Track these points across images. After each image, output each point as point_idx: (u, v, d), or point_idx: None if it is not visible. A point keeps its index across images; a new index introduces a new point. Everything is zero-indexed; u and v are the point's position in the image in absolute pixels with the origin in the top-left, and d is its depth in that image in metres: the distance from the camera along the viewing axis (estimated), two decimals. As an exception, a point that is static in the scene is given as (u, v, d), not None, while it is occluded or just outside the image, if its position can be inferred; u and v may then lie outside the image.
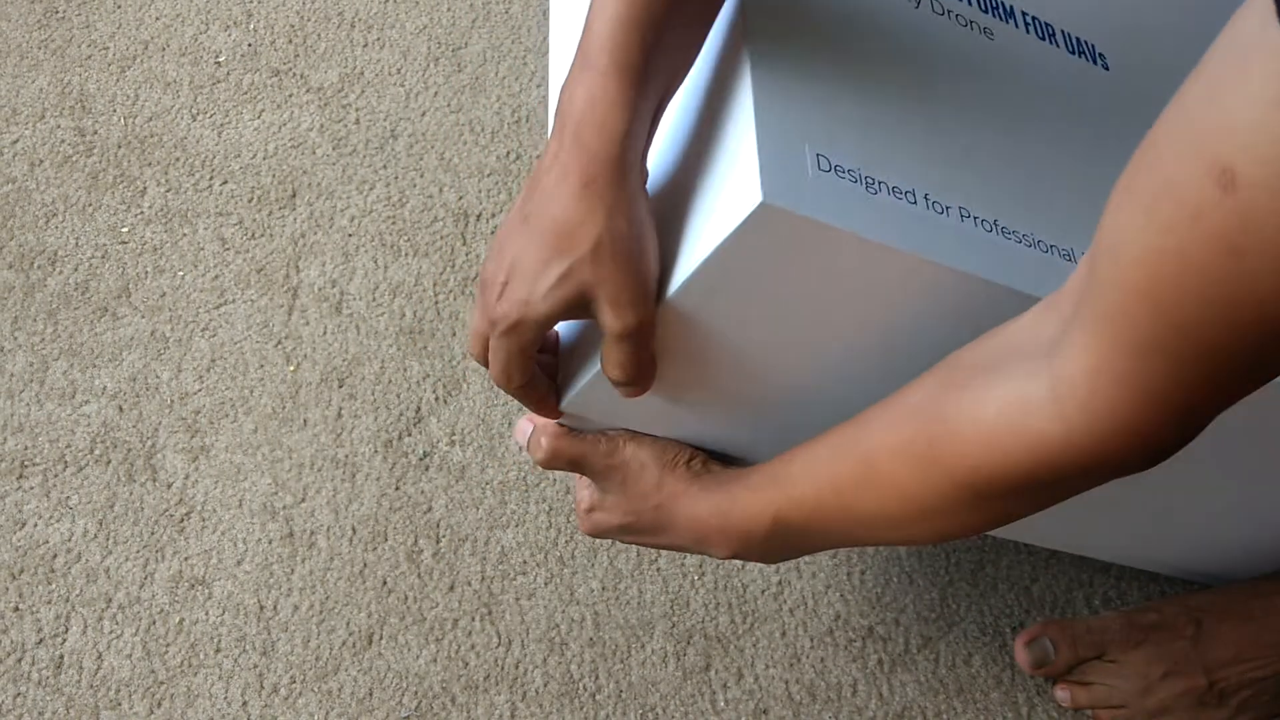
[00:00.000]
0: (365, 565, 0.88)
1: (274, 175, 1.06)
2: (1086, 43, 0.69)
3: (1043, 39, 0.68)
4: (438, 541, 0.89)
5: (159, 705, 0.83)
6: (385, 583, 0.87)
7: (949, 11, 0.66)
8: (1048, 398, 0.48)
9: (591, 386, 0.63)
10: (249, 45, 1.14)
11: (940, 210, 0.57)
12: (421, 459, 0.92)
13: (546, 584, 0.87)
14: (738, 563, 0.86)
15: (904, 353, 0.61)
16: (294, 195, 1.05)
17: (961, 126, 0.62)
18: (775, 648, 0.84)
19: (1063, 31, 0.69)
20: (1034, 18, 0.68)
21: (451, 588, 0.87)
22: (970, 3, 0.67)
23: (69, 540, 0.89)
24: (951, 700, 0.82)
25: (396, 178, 1.06)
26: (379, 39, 1.14)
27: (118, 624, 0.86)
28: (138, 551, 0.89)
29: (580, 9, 0.63)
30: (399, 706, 0.83)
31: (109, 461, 0.92)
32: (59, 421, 0.94)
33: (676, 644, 0.84)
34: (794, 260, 0.56)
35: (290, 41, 1.14)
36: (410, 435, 0.93)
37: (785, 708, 0.82)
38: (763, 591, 0.86)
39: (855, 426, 0.58)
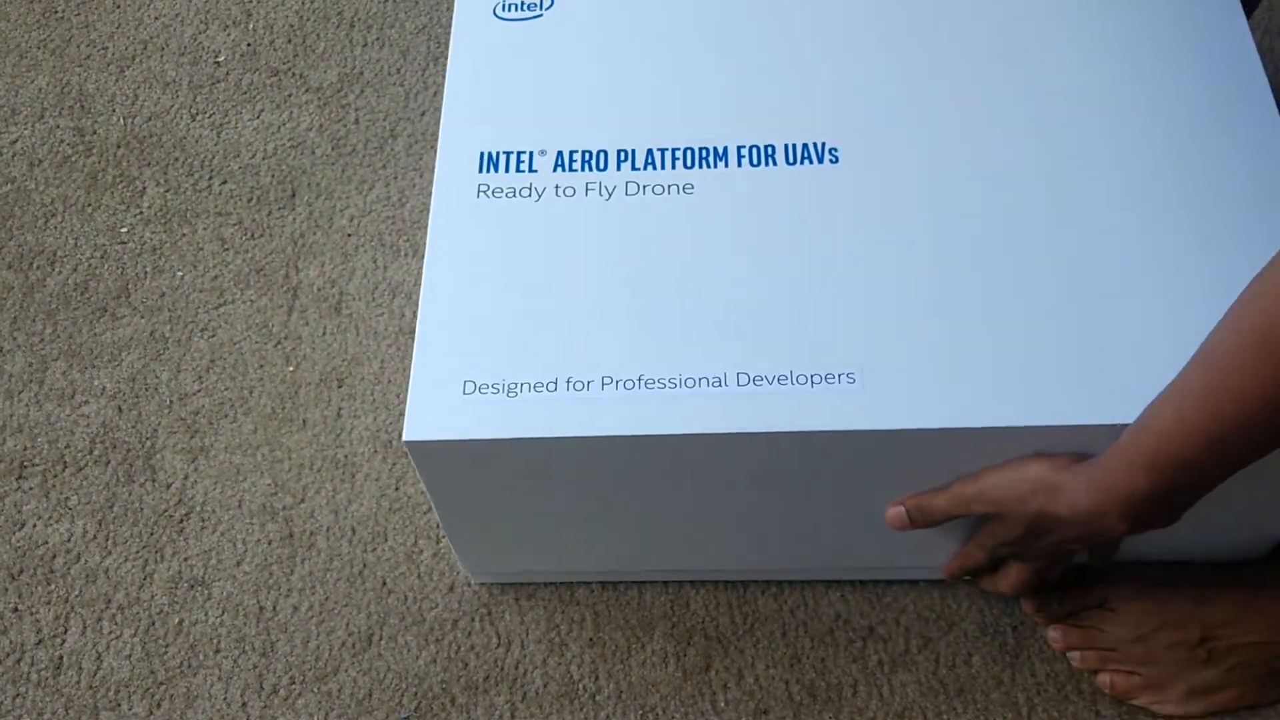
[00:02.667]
0: (365, 566, 0.88)
1: (273, 175, 1.06)
2: (814, 145, 0.77)
3: (757, 164, 0.76)
4: (437, 542, 0.88)
5: (158, 706, 0.83)
6: (385, 583, 0.87)
7: (644, 187, 0.76)
8: None
9: None
10: (248, 45, 1.14)
11: (581, 388, 0.69)
12: (421, 459, 0.92)
13: (546, 584, 0.87)
14: (726, 579, 0.86)
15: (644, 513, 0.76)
16: (293, 195, 1.05)
17: (625, 299, 0.72)
18: (775, 648, 0.84)
19: (786, 145, 0.77)
20: (751, 146, 0.77)
21: (451, 588, 0.87)
22: (671, 166, 0.77)
23: (68, 541, 0.89)
24: (951, 700, 0.82)
25: (396, 177, 1.06)
26: (378, 39, 1.14)
27: (117, 624, 0.86)
28: (137, 552, 0.89)
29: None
30: (398, 707, 0.83)
31: (108, 462, 0.92)
32: (58, 422, 0.94)
33: (676, 644, 0.84)
34: (488, 466, 0.71)
35: (289, 41, 1.14)
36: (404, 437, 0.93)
37: (785, 708, 0.82)
38: (763, 592, 0.86)
39: (1200, 350, 0.61)
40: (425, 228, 1.02)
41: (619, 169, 0.77)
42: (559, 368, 0.69)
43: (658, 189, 0.76)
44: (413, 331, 0.97)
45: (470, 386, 0.69)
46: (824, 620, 0.85)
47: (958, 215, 0.74)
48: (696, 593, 0.86)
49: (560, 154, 0.77)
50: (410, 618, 0.86)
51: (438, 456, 0.70)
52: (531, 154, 0.78)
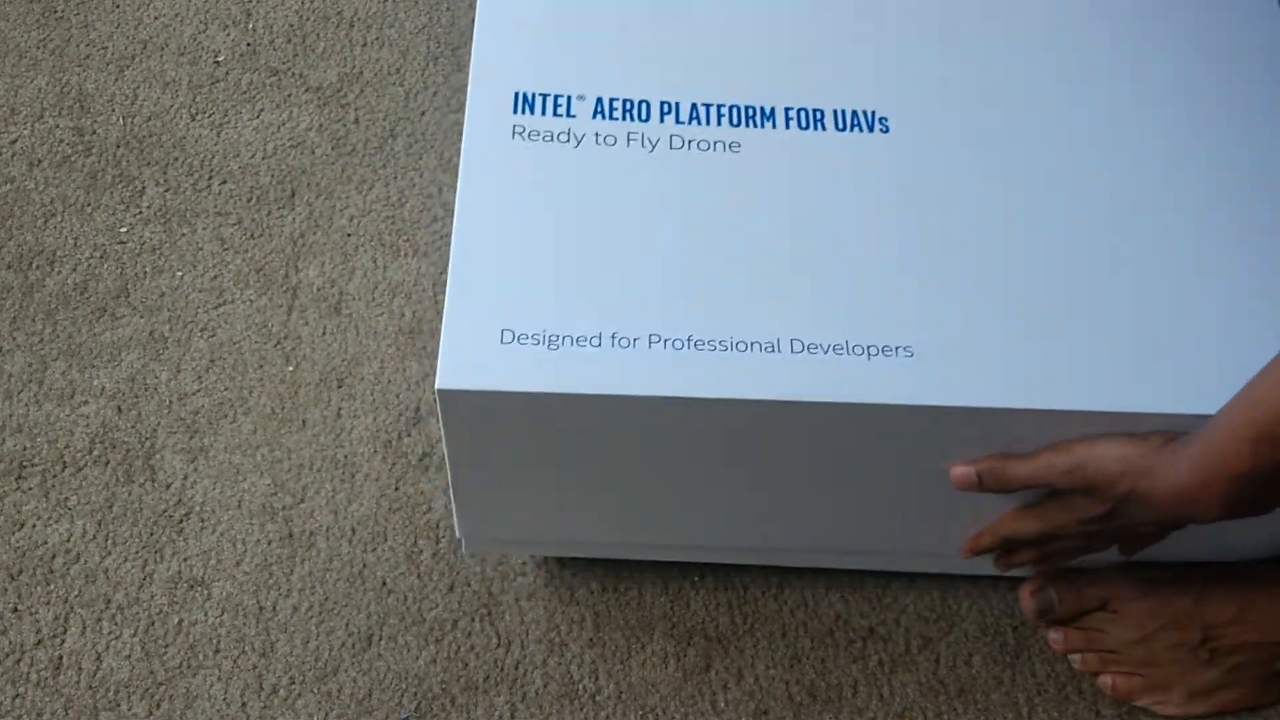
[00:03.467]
0: (364, 566, 0.88)
1: (273, 175, 1.06)
2: (864, 113, 0.75)
3: (806, 128, 0.74)
4: (437, 542, 0.88)
5: (158, 706, 0.83)
6: (384, 583, 0.87)
7: (689, 142, 0.73)
8: None
9: None
10: (248, 45, 1.14)
11: (626, 344, 0.65)
12: (420, 459, 0.92)
13: (546, 584, 0.87)
14: (737, 562, 0.86)
15: (696, 482, 0.73)
16: (293, 195, 1.05)
17: (673, 256, 0.69)
18: (775, 648, 0.84)
19: (835, 111, 0.74)
20: (800, 109, 0.74)
21: (451, 588, 0.87)
22: (717, 122, 0.74)
23: (68, 541, 0.89)
24: (952, 701, 0.82)
25: (395, 177, 1.06)
26: (378, 38, 1.14)
27: (117, 625, 0.86)
28: (137, 552, 0.89)
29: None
30: (398, 707, 0.83)
31: (108, 462, 0.92)
32: (57, 422, 0.94)
33: (676, 644, 0.84)
34: (521, 421, 0.67)
35: (289, 41, 1.14)
36: (409, 435, 0.93)
37: (785, 708, 0.82)
38: (763, 592, 0.86)
39: None
40: (426, 227, 1.02)
41: (662, 121, 0.74)
42: (604, 322, 0.66)
43: (703, 145, 0.73)
44: (414, 331, 0.97)
45: (509, 336, 0.66)
46: (824, 620, 0.85)
47: (1009, 192, 0.72)
48: (696, 593, 0.86)
49: (600, 100, 0.74)
50: (410, 618, 0.86)
51: (469, 408, 0.66)
52: (570, 98, 0.74)
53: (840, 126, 0.74)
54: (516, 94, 0.74)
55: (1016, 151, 0.74)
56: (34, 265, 1.02)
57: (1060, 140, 0.74)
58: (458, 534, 0.84)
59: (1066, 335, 0.68)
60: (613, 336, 0.66)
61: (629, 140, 0.73)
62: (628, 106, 0.75)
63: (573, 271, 0.68)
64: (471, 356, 0.65)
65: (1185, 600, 0.80)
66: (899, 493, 0.74)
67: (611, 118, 0.74)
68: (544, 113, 0.74)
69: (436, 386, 0.64)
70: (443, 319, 0.66)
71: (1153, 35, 0.79)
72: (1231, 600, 0.79)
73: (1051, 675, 0.83)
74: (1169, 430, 0.65)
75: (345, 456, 0.92)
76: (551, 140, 0.73)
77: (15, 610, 0.87)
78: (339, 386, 0.95)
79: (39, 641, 0.85)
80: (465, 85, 0.77)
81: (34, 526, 0.90)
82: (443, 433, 0.69)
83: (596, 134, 0.73)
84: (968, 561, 0.83)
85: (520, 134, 0.73)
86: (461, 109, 1.08)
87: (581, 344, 0.65)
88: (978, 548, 0.77)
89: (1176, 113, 0.76)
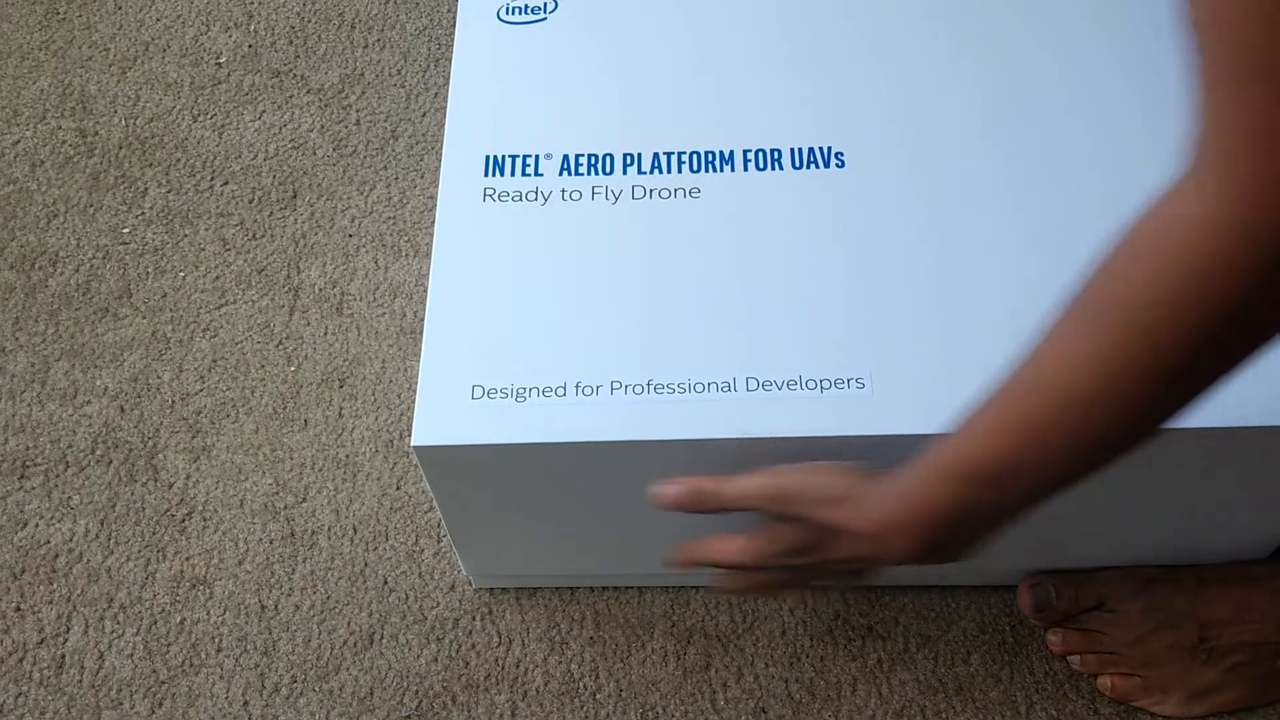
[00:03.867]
0: (366, 565, 0.88)
1: (275, 176, 1.07)
2: (820, 149, 0.77)
3: (764, 168, 0.77)
4: (438, 541, 0.89)
5: (160, 705, 0.83)
6: (386, 582, 0.87)
7: (651, 191, 0.76)
8: (1189, 185, 0.47)
9: None
10: (250, 46, 1.14)
11: (590, 392, 0.69)
12: (422, 459, 0.92)
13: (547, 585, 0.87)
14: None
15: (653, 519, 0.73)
16: (295, 196, 1.05)
17: (634, 304, 0.72)
18: (775, 646, 0.84)
19: (792, 149, 0.77)
20: (758, 150, 0.77)
21: (452, 587, 0.87)
22: (678, 170, 0.77)
23: (70, 540, 0.89)
24: (951, 699, 0.82)
25: (397, 178, 1.06)
26: (379, 40, 1.14)
27: (119, 624, 0.86)
28: (139, 551, 0.89)
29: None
30: (400, 706, 0.83)
31: (110, 461, 0.93)
32: (60, 422, 0.94)
33: (676, 643, 0.85)
34: (496, 471, 0.71)
35: (291, 43, 1.15)
36: (410, 435, 0.93)
37: (785, 706, 0.82)
38: (762, 591, 0.86)
39: (1030, 351, 0.56)
40: (426, 228, 1.02)
41: (625, 173, 0.77)
42: (568, 372, 0.69)
43: (664, 193, 0.76)
44: (414, 331, 0.98)
45: (479, 391, 0.69)
46: (823, 619, 0.85)
47: (964, 220, 0.74)
48: (696, 592, 0.86)
49: (566, 157, 0.77)
50: (411, 617, 0.86)
51: (446, 461, 0.70)
52: (537, 157, 0.78)
53: (797, 164, 0.77)
54: (487, 157, 0.78)
55: (970, 179, 0.76)
56: (37, 266, 1.02)
57: (1012, 171, 0.76)
58: (463, 571, 0.86)
59: (1014, 360, 0.68)
60: (576, 385, 0.69)
61: (593, 194, 0.76)
62: (592, 161, 0.78)
63: (539, 326, 0.71)
64: (444, 413, 0.69)
65: (1181, 599, 0.80)
66: None
67: (577, 173, 0.77)
68: (513, 173, 0.77)
69: (412, 444, 0.68)
70: (419, 379, 0.70)
71: (1108, 67, 0.80)
72: (1228, 599, 0.80)
73: (1050, 673, 0.83)
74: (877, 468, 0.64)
75: (347, 456, 0.92)
76: (520, 199, 0.76)
77: (18, 609, 0.87)
78: (340, 386, 0.96)
79: (42, 640, 0.86)
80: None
81: (37, 526, 0.90)
82: (427, 483, 0.73)
83: (563, 190, 0.76)
84: (965, 575, 0.84)
85: (491, 195, 0.76)
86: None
87: (547, 395, 0.69)
88: (678, 561, 0.73)
89: (1133, 143, 0.77)
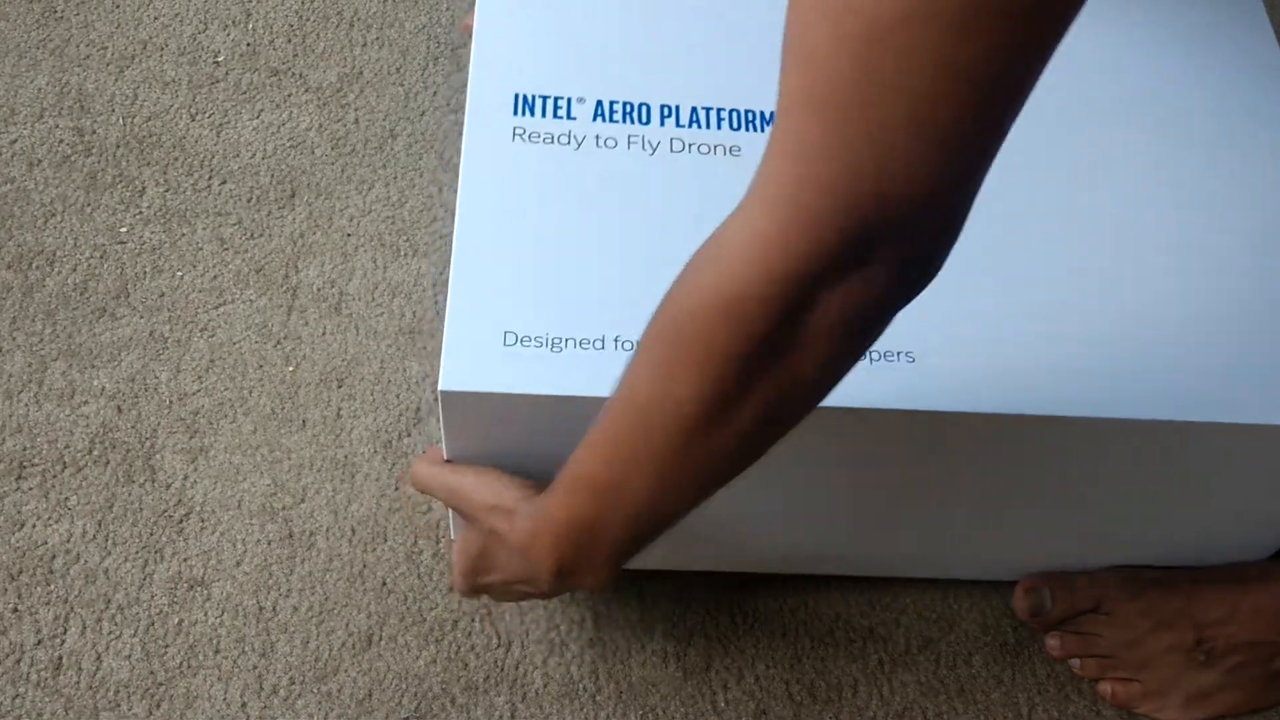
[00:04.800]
0: (364, 566, 0.88)
1: (273, 175, 1.06)
2: None
3: None
4: (437, 542, 0.88)
5: (158, 706, 0.83)
6: (385, 583, 0.87)
7: (689, 145, 0.73)
8: (738, 219, 0.49)
9: None
10: (248, 45, 1.14)
11: (629, 347, 0.64)
12: (421, 459, 0.92)
13: (546, 584, 0.87)
14: (741, 570, 0.86)
15: None
16: (293, 195, 1.05)
17: (677, 259, 0.68)
18: (776, 648, 0.84)
19: None
20: None
21: (451, 588, 0.87)
22: (716, 125, 0.74)
23: (68, 541, 0.89)
24: (952, 700, 0.82)
25: (395, 177, 1.06)
26: (378, 38, 1.14)
27: (117, 625, 0.86)
28: (136, 552, 0.89)
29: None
30: (398, 707, 0.83)
31: (108, 462, 0.92)
32: (57, 422, 0.94)
33: (677, 644, 0.84)
34: (523, 424, 0.66)
35: (289, 41, 1.14)
36: (409, 435, 0.93)
37: (786, 708, 0.82)
38: (763, 592, 0.86)
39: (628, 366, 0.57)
40: (426, 227, 1.02)
41: (663, 124, 0.74)
42: (607, 325, 0.66)
43: (703, 148, 0.73)
44: (413, 331, 0.97)
45: (511, 338, 0.65)
46: (824, 620, 0.85)
47: (1011, 195, 0.72)
48: (696, 592, 0.86)
49: (600, 103, 0.74)
50: (410, 618, 0.86)
51: (472, 410, 0.66)
52: (570, 100, 0.74)
53: None
54: (516, 95, 0.74)
55: (1019, 154, 0.75)
56: (34, 265, 1.02)
57: (1061, 144, 0.75)
58: (454, 538, 0.85)
59: (1068, 341, 0.68)
60: (615, 339, 0.66)
61: (629, 143, 0.73)
62: (628, 109, 0.74)
63: (575, 274, 0.68)
64: (474, 358, 0.65)
65: (1177, 600, 0.80)
66: (898, 498, 0.74)
67: (611, 120, 0.74)
68: (544, 115, 0.74)
69: (439, 388, 0.64)
70: (445, 320, 0.66)
71: (1138, 50, 0.79)
72: (1223, 600, 0.79)
73: (1051, 675, 0.83)
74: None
75: (345, 457, 0.92)
76: (552, 142, 0.73)
77: (15, 610, 0.87)
78: (339, 386, 0.95)
79: (39, 642, 0.85)
80: (465, 85, 0.77)
81: (34, 526, 0.90)
82: (443, 434, 0.70)
83: (597, 136, 0.73)
84: (966, 567, 0.83)
85: (521, 135, 0.73)
86: (461, 109, 1.08)
87: (585, 347, 0.65)
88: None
89: (1169, 126, 0.76)
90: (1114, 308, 0.70)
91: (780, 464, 0.71)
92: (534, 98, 0.74)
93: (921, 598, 0.86)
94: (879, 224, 0.46)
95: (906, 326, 0.67)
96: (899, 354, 0.67)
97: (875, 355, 0.66)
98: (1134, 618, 0.80)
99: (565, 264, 0.68)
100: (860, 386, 0.65)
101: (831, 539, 0.80)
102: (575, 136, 0.73)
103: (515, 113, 0.74)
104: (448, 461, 0.71)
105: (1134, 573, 0.81)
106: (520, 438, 0.69)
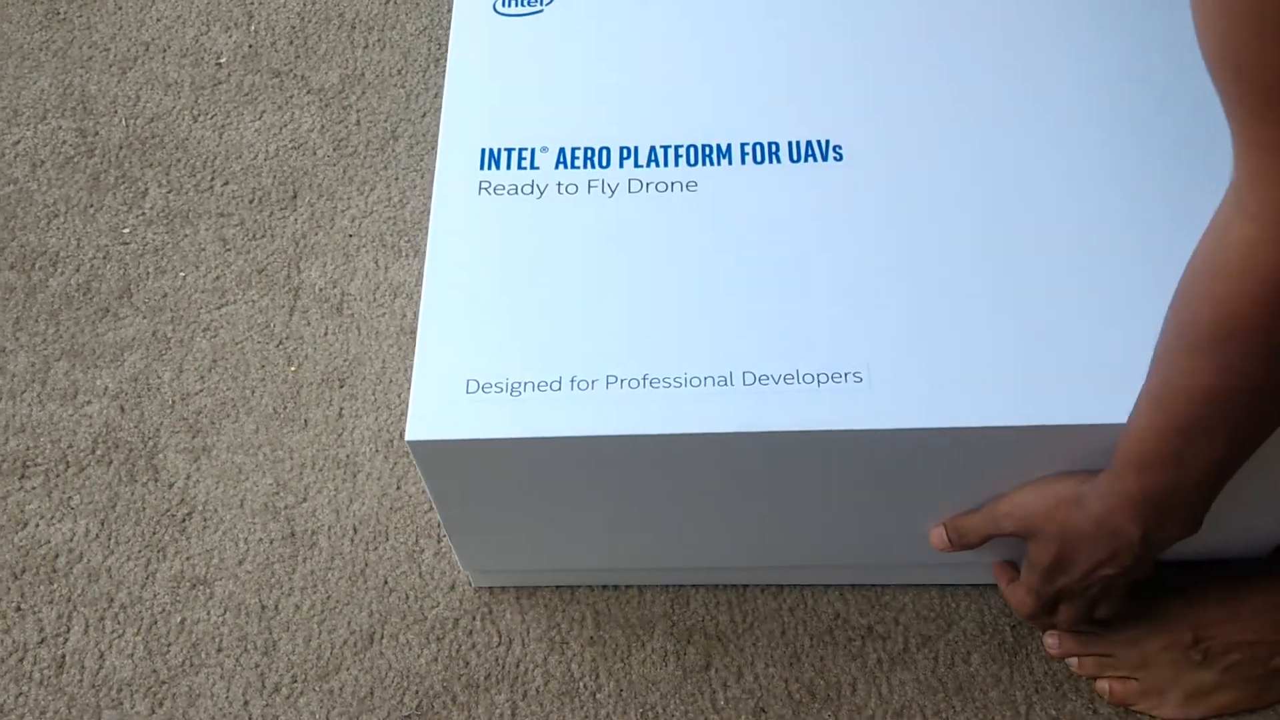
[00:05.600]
0: (366, 565, 0.88)
1: (275, 176, 1.07)
2: (818, 142, 0.77)
3: (761, 161, 0.76)
4: (438, 541, 0.89)
5: (160, 705, 0.83)
6: (386, 582, 0.88)
7: (647, 184, 0.76)
8: (1233, 207, 0.53)
9: None
10: (250, 47, 1.15)
11: (585, 386, 0.68)
12: (422, 459, 0.92)
13: (546, 584, 0.87)
14: (722, 583, 0.86)
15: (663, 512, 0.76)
16: (295, 196, 1.06)
17: (630, 297, 0.72)
18: (775, 646, 0.84)
19: (790, 143, 0.77)
20: (755, 143, 0.77)
21: (452, 587, 0.87)
22: (675, 163, 0.77)
23: (71, 540, 0.90)
24: (950, 699, 0.82)
25: (397, 178, 1.06)
26: (380, 40, 1.15)
27: (119, 623, 0.86)
28: (139, 551, 0.89)
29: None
30: (400, 705, 0.83)
31: (111, 461, 0.93)
32: (61, 422, 0.94)
33: (676, 643, 0.85)
34: (491, 466, 0.70)
35: (291, 43, 1.15)
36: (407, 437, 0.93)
37: (785, 706, 0.82)
38: (762, 591, 0.86)
39: (1155, 351, 0.62)
40: (426, 227, 1.02)
41: (622, 166, 0.77)
42: (563, 367, 0.69)
43: (661, 186, 0.76)
44: (414, 331, 0.98)
45: (474, 385, 0.69)
46: (823, 619, 0.85)
47: (962, 213, 0.74)
48: (696, 592, 0.87)
49: (562, 150, 0.77)
50: (412, 616, 0.86)
51: (441, 456, 0.69)
52: (533, 150, 0.77)
53: (795, 158, 0.77)
54: (483, 150, 0.78)
55: (968, 172, 0.76)
56: (37, 266, 1.02)
57: (1008, 165, 0.76)
58: (461, 569, 0.86)
59: (1014, 354, 0.69)
60: (572, 380, 0.69)
61: (590, 187, 0.76)
62: (589, 154, 0.77)
63: (534, 319, 0.71)
64: (439, 408, 0.68)
65: (1175, 600, 0.80)
66: (863, 512, 0.76)
67: (573, 166, 0.77)
68: (509, 166, 0.77)
69: (407, 438, 0.68)
70: (413, 373, 0.69)
71: (1107, 63, 0.80)
72: (1222, 599, 0.80)
73: (1049, 673, 0.83)
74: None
75: (347, 456, 0.93)
76: (516, 193, 0.76)
77: (18, 609, 0.87)
78: (341, 386, 0.96)
79: (42, 640, 0.86)
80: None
81: (37, 526, 0.90)
82: (423, 478, 0.72)
83: (559, 184, 0.76)
84: (960, 574, 0.84)
85: (487, 189, 0.76)
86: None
87: (542, 389, 0.68)
88: (1022, 617, 0.80)
89: (1128, 137, 0.77)
90: (1066, 320, 0.70)
91: (741, 485, 0.73)
92: (500, 151, 0.78)
93: (920, 597, 0.86)
94: None
95: (854, 347, 0.70)
96: (846, 375, 0.69)
97: (824, 378, 0.68)
98: (1132, 616, 0.80)
99: (525, 311, 0.72)
100: (810, 410, 0.68)
101: (803, 551, 0.82)
102: (538, 186, 0.76)
103: (482, 167, 0.77)
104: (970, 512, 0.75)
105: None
106: (492, 479, 0.72)
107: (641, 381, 0.68)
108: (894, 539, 0.77)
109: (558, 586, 0.87)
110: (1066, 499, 0.69)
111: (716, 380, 0.68)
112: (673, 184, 0.76)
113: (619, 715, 0.82)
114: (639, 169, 0.77)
